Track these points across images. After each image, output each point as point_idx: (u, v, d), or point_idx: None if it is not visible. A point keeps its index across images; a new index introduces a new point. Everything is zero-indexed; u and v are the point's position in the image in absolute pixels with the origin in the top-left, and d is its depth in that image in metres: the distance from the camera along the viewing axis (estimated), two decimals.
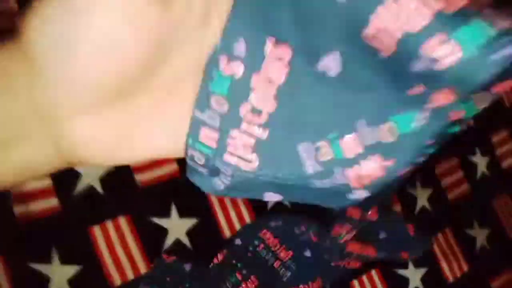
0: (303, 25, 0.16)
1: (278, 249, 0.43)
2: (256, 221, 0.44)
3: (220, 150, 0.17)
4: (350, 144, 0.17)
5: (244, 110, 0.17)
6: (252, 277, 0.43)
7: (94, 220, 0.41)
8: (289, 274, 0.43)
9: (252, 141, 0.17)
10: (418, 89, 0.16)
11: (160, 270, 0.41)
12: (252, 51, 0.16)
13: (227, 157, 0.17)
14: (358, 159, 0.18)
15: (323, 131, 0.17)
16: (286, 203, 0.47)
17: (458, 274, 0.53)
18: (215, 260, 0.43)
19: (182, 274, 0.42)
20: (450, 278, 0.52)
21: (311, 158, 0.18)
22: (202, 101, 0.16)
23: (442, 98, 0.15)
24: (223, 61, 0.16)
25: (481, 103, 0.16)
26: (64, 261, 0.39)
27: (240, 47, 0.16)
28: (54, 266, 0.39)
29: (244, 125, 0.17)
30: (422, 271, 0.51)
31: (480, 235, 0.55)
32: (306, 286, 0.44)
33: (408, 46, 0.14)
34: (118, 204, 0.42)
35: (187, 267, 0.42)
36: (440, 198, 0.55)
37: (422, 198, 0.54)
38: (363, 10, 0.14)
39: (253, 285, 0.43)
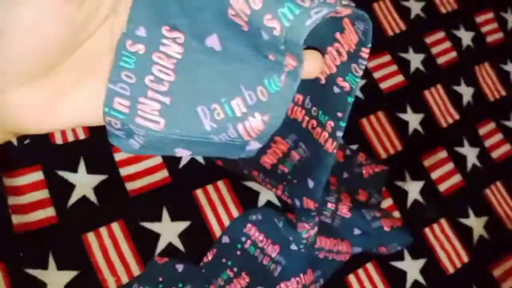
0: (188, 14, 0.21)
1: (264, 244, 0.44)
2: (238, 216, 0.45)
3: (131, 115, 0.21)
4: (237, 105, 0.23)
5: (148, 80, 0.22)
6: (243, 273, 0.44)
7: (89, 227, 0.43)
8: (279, 269, 0.44)
9: (157, 105, 0.21)
10: (273, 56, 0.21)
11: (153, 271, 0.42)
12: (151, 36, 0.21)
13: (138, 120, 0.21)
14: (245, 116, 0.23)
15: (216, 96, 0.22)
16: (275, 201, 0.48)
17: (459, 265, 0.52)
18: (205, 259, 0.44)
19: (175, 275, 0.42)
20: (450, 269, 0.51)
21: (207, 118, 0.22)
22: (115, 76, 0.21)
23: (291, 61, 0.21)
24: (128, 43, 0.21)
25: (357, 71, 0.24)
26: (60, 267, 0.41)
27: (141, 33, 0.21)
28: (50, 272, 0.40)
29: (150, 93, 0.21)
30: (420, 262, 0.51)
31: (476, 225, 0.55)
32: (298, 279, 0.44)
33: (256, 21, 0.20)
34: (111, 212, 0.44)
35: (180, 267, 0.43)
36: (432, 191, 0.55)
37: (414, 192, 0.54)
38: None
39: (245, 281, 0.43)
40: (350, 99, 0.25)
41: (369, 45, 0.23)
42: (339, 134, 0.27)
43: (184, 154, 0.24)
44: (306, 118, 0.29)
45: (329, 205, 0.45)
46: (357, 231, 0.45)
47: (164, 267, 0.42)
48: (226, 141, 0.24)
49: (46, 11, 0.16)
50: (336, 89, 0.26)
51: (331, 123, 0.28)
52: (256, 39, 0.21)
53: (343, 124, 0.27)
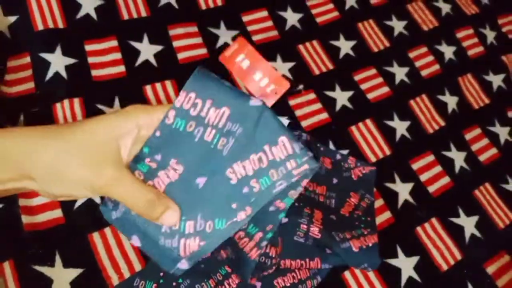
0: (193, 159, 0.33)
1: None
2: None
3: None
4: (189, 225, 0.32)
5: (149, 183, 0.33)
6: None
7: (94, 227, 0.45)
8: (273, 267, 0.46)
9: None
10: (235, 205, 0.31)
11: (154, 266, 0.44)
12: (163, 162, 0.33)
13: None
14: (189, 235, 0.32)
15: (181, 213, 0.32)
16: None
17: (452, 263, 0.53)
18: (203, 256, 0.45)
19: None
20: (444, 266, 0.53)
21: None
22: (130, 169, 0.32)
23: (243, 215, 0.31)
24: (147, 160, 0.33)
25: (293, 196, 0.34)
26: (67, 265, 0.43)
27: (157, 157, 0.33)
28: (57, 269, 0.42)
29: None
30: (414, 260, 0.52)
31: (467, 224, 0.56)
32: (294, 274, 0.46)
33: (245, 180, 0.31)
34: None
35: None
36: (421, 192, 0.57)
37: (404, 193, 0.56)
38: (221, 164, 0.32)
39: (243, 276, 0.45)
40: (281, 215, 0.35)
41: (309, 178, 0.32)
42: (264, 243, 0.36)
43: (136, 244, 0.33)
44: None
45: (302, 226, 0.47)
46: (328, 251, 0.47)
47: None
48: (169, 248, 0.32)
49: None
50: (271, 208, 0.36)
51: (259, 234, 0.37)
52: (236, 190, 0.31)
53: (269, 235, 0.36)
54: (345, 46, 0.66)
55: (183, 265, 0.32)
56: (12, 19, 0.53)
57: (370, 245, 0.48)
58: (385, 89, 0.64)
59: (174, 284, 0.43)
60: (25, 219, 0.43)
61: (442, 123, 0.64)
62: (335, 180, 0.54)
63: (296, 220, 0.48)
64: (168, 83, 0.55)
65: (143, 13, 0.59)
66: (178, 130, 0.33)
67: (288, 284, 0.46)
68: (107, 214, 0.33)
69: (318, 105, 0.59)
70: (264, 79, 0.58)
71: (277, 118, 0.31)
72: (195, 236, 0.32)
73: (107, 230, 0.45)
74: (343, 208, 0.52)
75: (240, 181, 0.31)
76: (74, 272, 0.43)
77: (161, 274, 0.44)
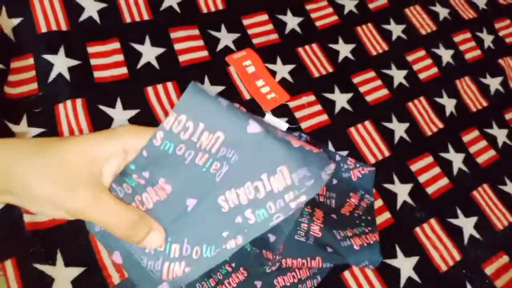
0: (179, 180, 0.31)
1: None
2: None
3: None
4: (174, 249, 0.31)
5: (137, 198, 0.32)
6: (241, 268, 0.46)
7: None
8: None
9: None
10: (225, 234, 0.30)
11: None
12: (151, 179, 0.31)
13: None
14: (174, 259, 0.31)
15: (166, 234, 0.31)
16: None
17: (451, 263, 0.53)
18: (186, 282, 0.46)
19: None
20: (443, 267, 0.53)
21: None
22: (118, 182, 0.31)
23: (232, 243, 0.30)
24: (134, 176, 0.31)
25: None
26: (68, 263, 0.43)
27: (145, 174, 0.31)
28: (58, 268, 0.43)
29: (134, 204, 0.32)
30: (413, 260, 0.52)
31: (466, 225, 0.57)
32: (294, 274, 0.46)
33: (239, 209, 0.30)
34: None
35: None
36: (420, 193, 0.58)
37: (403, 194, 0.57)
38: (213, 190, 0.31)
39: (243, 276, 0.45)
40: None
41: (305, 198, 0.29)
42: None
43: (117, 261, 0.33)
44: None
45: (302, 225, 0.48)
46: (329, 249, 0.48)
47: None
48: (149, 269, 0.32)
49: None
50: (271, 238, 0.41)
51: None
52: (228, 219, 0.30)
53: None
54: (344, 49, 0.67)
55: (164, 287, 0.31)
56: (16, 21, 0.53)
57: (371, 242, 0.48)
58: (384, 92, 0.65)
59: None
60: (27, 218, 0.44)
61: (441, 125, 0.64)
62: (334, 181, 0.54)
63: (297, 219, 0.48)
64: (169, 85, 0.56)
65: (145, 16, 0.60)
66: (166, 152, 0.30)
67: (288, 284, 0.46)
68: (90, 225, 0.33)
69: (318, 107, 0.60)
70: (266, 86, 0.59)
71: (277, 144, 0.29)
72: (180, 260, 0.31)
73: None
74: (343, 208, 0.52)
75: (232, 210, 0.30)
76: (75, 271, 0.43)
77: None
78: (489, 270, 0.54)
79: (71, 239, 0.44)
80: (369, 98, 0.63)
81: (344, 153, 0.57)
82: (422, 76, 0.69)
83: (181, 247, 0.31)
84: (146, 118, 0.53)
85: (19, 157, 0.26)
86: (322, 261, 0.48)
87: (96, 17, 0.57)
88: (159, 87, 0.55)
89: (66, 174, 0.27)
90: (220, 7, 0.65)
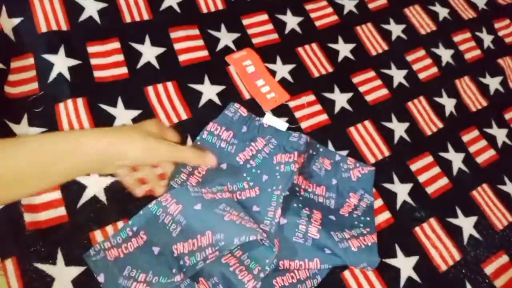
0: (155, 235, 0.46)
1: None
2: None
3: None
4: (142, 276, 0.43)
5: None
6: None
7: (96, 225, 0.46)
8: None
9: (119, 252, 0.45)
10: (174, 269, 0.44)
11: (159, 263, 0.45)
12: (136, 232, 0.46)
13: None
14: (141, 282, 0.42)
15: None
16: None
17: (451, 263, 0.54)
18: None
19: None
20: (442, 267, 0.53)
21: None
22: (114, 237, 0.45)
23: (178, 278, 0.43)
24: (128, 230, 0.46)
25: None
26: (68, 263, 0.43)
27: (134, 228, 0.46)
28: (58, 267, 0.43)
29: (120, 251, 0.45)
30: (413, 260, 0.52)
31: (466, 225, 0.57)
32: (293, 274, 0.46)
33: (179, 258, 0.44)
34: (118, 211, 0.47)
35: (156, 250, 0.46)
36: (420, 192, 0.58)
37: (403, 193, 0.57)
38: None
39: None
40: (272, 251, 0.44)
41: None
42: (262, 275, 0.42)
43: (100, 280, 0.42)
44: (236, 265, 0.44)
45: (300, 227, 0.48)
46: (327, 251, 0.48)
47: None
48: (124, 286, 0.43)
49: None
50: (266, 244, 0.44)
51: (259, 268, 0.44)
52: (176, 262, 0.44)
53: (267, 268, 0.43)
54: (344, 49, 0.67)
55: None
56: (16, 21, 0.53)
57: (369, 244, 0.48)
58: (384, 91, 0.65)
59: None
60: (28, 217, 0.44)
61: (440, 125, 0.64)
62: (334, 181, 0.54)
63: (295, 221, 0.48)
64: (169, 84, 0.56)
65: (145, 16, 0.60)
66: (156, 215, 0.46)
67: (287, 284, 0.47)
68: (89, 258, 0.43)
69: (318, 107, 0.60)
70: (266, 86, 0.59)
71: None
72: (143, 283, 0.42)
73: (109, 228, 0.46)
74: (342, 209, 0.52)
75: (177, 256, 0.44)
76: (75, 270, 0.43)
77: (173, 270, 0.44)
78: (488, 269, 0.54)
79: (72, 238, 0.44)
80: (369, 98, 0.63)
81: (344, 152, 0.58)
82: (421, 76, 0.69)
83: (146, 276, 0.43)
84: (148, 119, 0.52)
85: (111, 139, 0.36)
86: (320, 262, 0.48)
87: (96, 17, 0.58)
88: (159, 86, 0.55)
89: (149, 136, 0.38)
90: (220, 7, 0.65)
